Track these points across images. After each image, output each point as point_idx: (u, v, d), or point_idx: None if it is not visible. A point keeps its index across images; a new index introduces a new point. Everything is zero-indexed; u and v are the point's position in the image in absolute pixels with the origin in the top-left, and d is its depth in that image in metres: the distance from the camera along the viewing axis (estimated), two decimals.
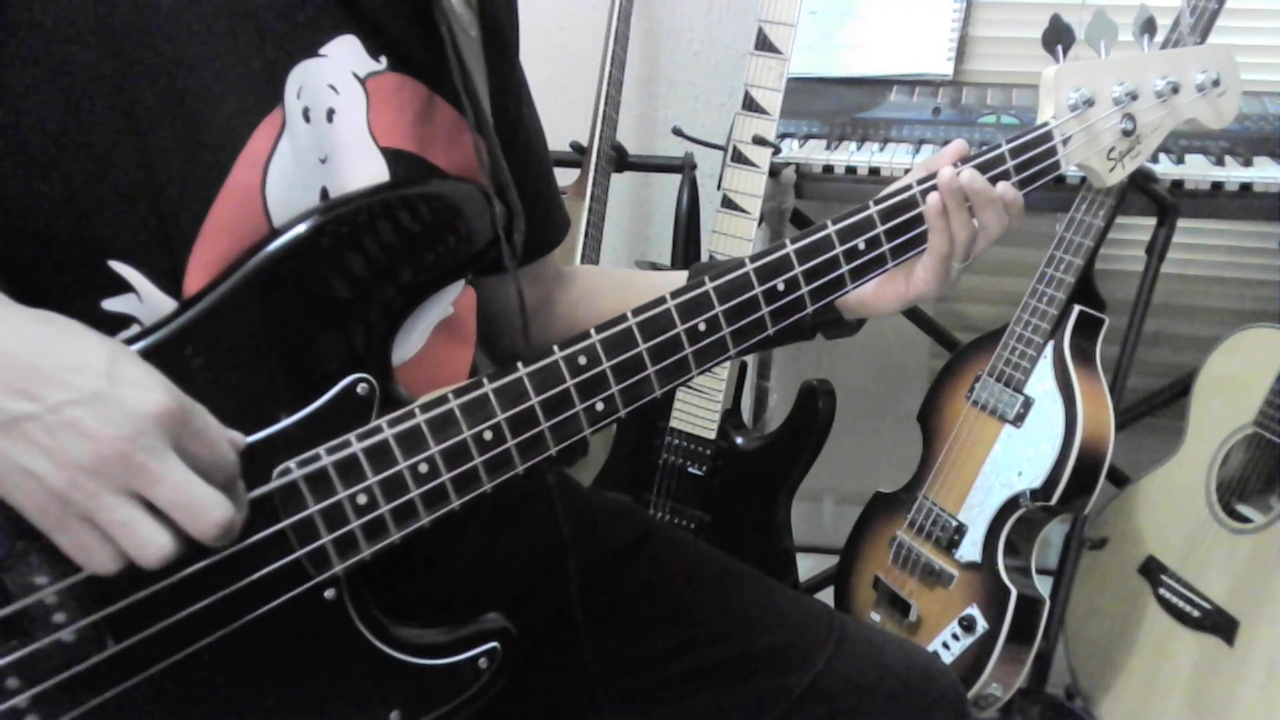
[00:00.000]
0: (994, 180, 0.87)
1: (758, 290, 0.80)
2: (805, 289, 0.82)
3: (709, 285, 0.79)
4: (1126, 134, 0.92)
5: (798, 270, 0.82)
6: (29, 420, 0.55)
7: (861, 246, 0.84)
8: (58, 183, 0.64)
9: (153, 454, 0.57)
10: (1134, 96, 0.92)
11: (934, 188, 0.86)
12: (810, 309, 0.83)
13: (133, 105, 0.65)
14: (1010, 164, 0.88)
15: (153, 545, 0.57)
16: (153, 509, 0.58)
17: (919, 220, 0.86)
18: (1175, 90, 0.93)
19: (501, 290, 0.97)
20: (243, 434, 0.65)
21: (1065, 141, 0.90)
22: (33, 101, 0.63)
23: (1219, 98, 0.96)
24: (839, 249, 0.83)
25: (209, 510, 0.58)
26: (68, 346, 0.58)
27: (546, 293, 1.02)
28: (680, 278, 0.97)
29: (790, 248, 0.82)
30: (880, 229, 0.85)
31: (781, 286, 0.81)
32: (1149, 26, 0.94)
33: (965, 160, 0.87)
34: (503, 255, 0.77)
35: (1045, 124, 0.90)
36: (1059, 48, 0.92)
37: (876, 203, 0.85)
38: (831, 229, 0.83)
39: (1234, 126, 1.66)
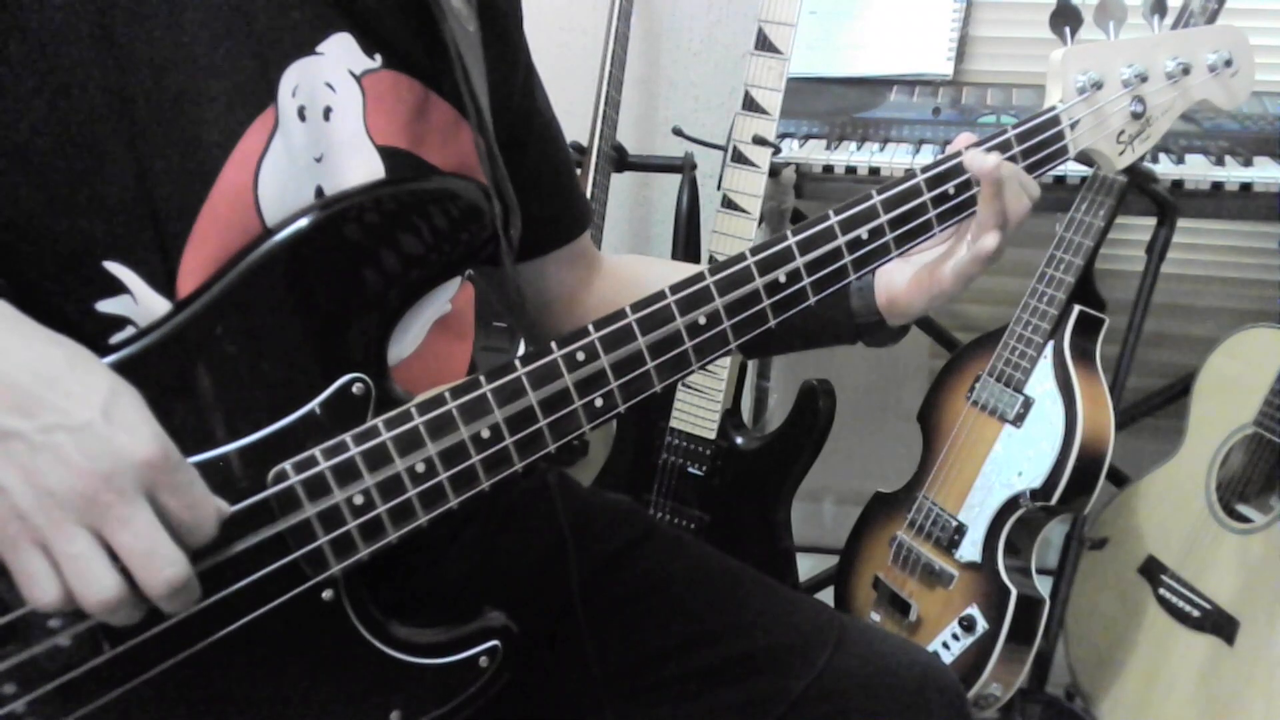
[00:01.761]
0: None
1: (759, 282, 0.80)
2: (807, 280, 0.81)
3: (709, 279, 0.78)
4: (1136, 116, 0.91)
5: (799, 261, 0.81)
6: (15, 437, 0.55)
7: (864, 236, 0.83)
8: (53, 183, 0.64)
9: (123, 497, 0.57)
10: (1144, 78, 0.90)
11: (939, 178, 0.85)
12: (813, 300, 0.82)
13: (127, 104, 0.65)
14: (1017, 149, 0.87)
15: (98, 586, 0.57)
16: (112, 556, 0.57)
17: (923, 209, 0.85)
18: (1186, 71, 0.92)
19: (538, 276, 0.97)
20: (227, 503, 0.64)
21: (1073, 125, 0.89)
22: (28, 101, 0.63)
23: (1231, 78, 0.94)
24: (841, 239, 0.82)
25: (165, 565, 0.58)
26: (73, 373, 0.58)
27: (584, 277, 1.01)
28: None
29: (792, 239, 0.81)
30: (883, 218, 0.84)
31: (783, 278, 0.80)
32: (1159, 8, 0.91)
33: (972, 146, 0.86)
34: (501, 251, 0.77)
35: (1052, 108, 0.88)
36: (1066, 30, 0.90)
37: (879, 192, 0.84)
38: (834, 219, 0.82)
39: (1234, 126, 1.66)
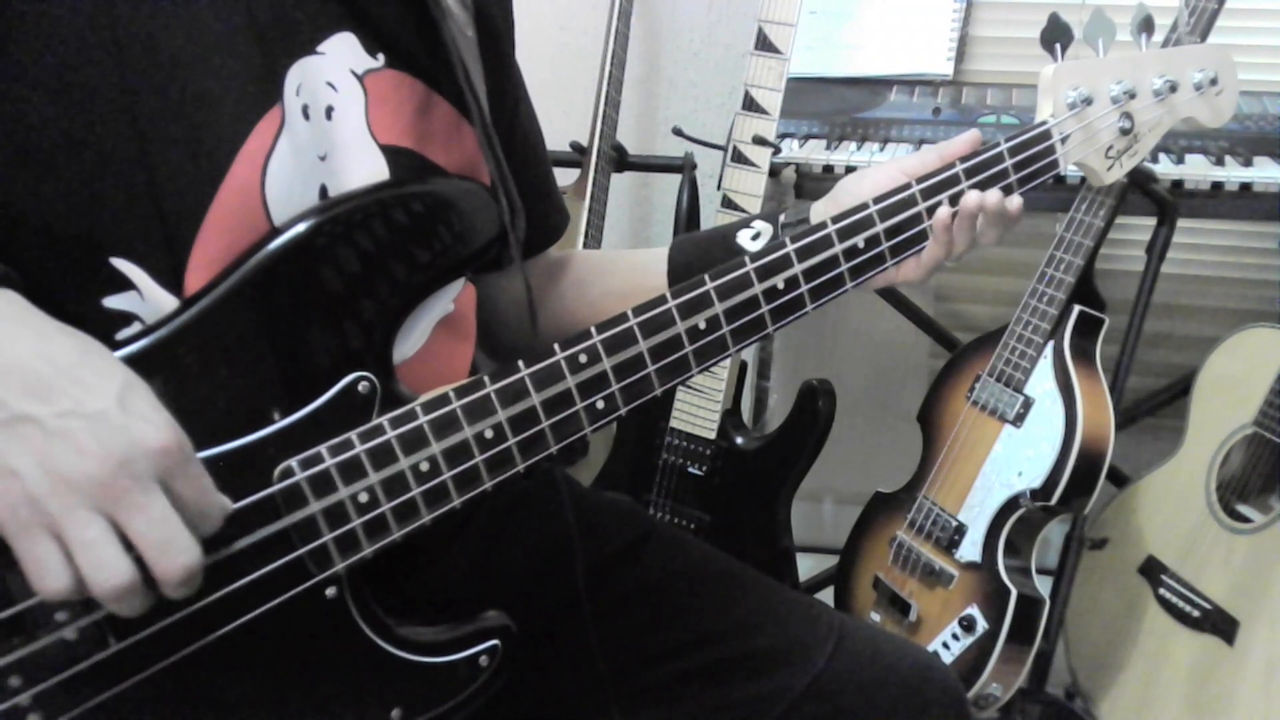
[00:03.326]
0: (993, 179, 0.87)
1: (757, 289, 0.80)
2: (805, 287, 0.82)
3: (709, 284, 0.79)
4: (1125, 132, 0.92)
5: (797, 269, 0.82)
6: (29, 422, 0.55)
7: (861, 245, 0.84)
8: (60, 181, 0.65)
9: (139, 483, 0.57)
10: (1132, 95, 0.92)
11: (934, 189, 0.86)
12: (810, 308, 0.83)
13: (134, 104, 0.65)
14: (1009, 162, 0.88)
15: (110, 571, 0.56)
16: (124, 542, 0.57)
17: (918, 219, 0.86)
18: (1173, 89, 0.93)
19: (499, 287, 0.97)
20: (231, 499, 0.64)
21: (1063, 140, 0.90)
22: (37, 100, 0.63)
23: (1216, 96, 0.96)
24: (838, 247, 0.83)
25: (180, 551, 0.58)
26: (87, 363, 0.58)
27: (540, 286, 1.03)
28: (660, 255, 0.97)
29: (790, 246, 0.82)
30: (879, 227, 0.85)
31: (781, 285, 0.81)
32: (1147, 25, 0.94)
33: (967, 158, 0.87)
34: (502, 253, 0.77)
35: (1043, 123, 0.90)
36: (1057, 46, 0.92)
37: (875, 201, 0.85)
38: (831, 228, 0.83)
39: (1234, 126, 1.67)
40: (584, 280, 1.03)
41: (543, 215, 1.00)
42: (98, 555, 0.56)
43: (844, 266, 0.84)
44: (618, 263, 1.05)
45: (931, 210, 0.86)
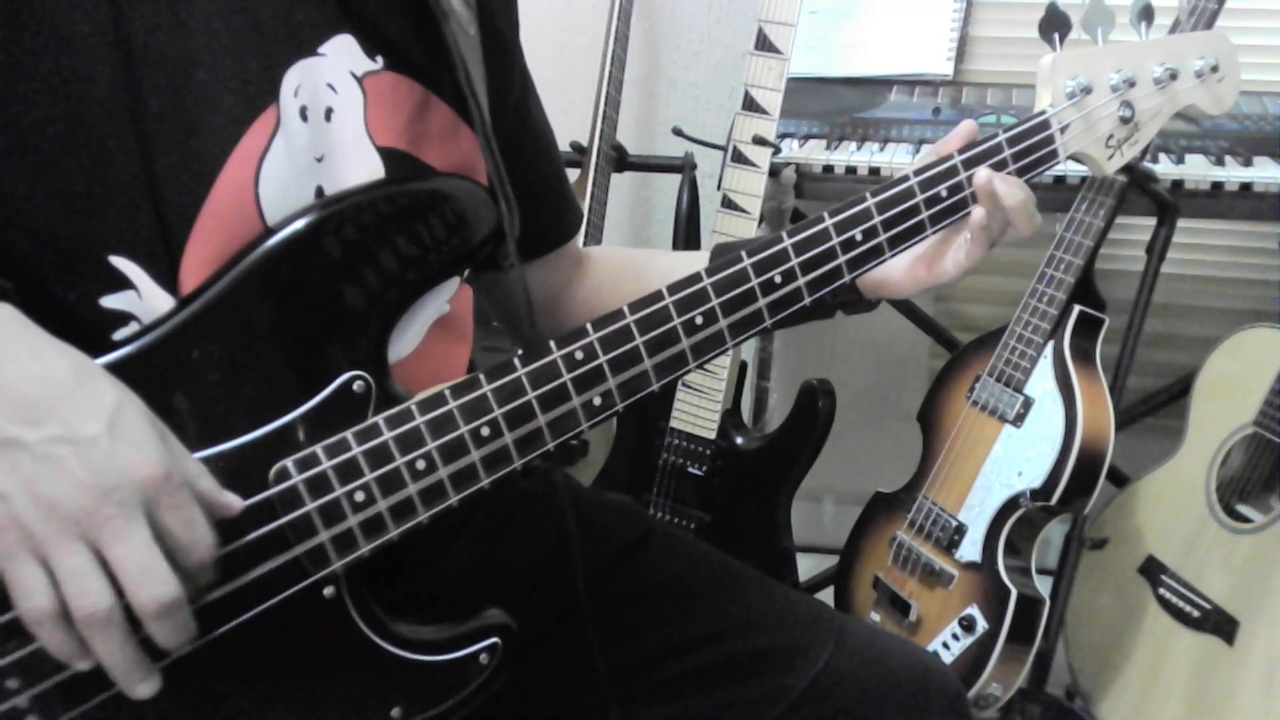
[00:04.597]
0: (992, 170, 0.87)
1: (754, 283, 0.80)
2: (802, 280, 0.82)
3: (706, 280, 0.79)
4: (1125, 121, 0.92)
5: (794, 262, 0.81)
6: (19, 447, 0.56)
7: (858, 238, 0.84)
8: (59, 177, 0.65)
9: (123, 511, 0.57)
10: (1132, 83, 0.91)
11: (931, 180, 0.85)
12: (807, 300, 0.83)
13: (134, 103, 0.65)
14: (1008, 153, 0.88)
15: (91, 598, 0.57)
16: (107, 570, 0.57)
17: (916, 210, 0.86)
18: (1174, 77, 0.92)
19: (532, 279, 0.97)
20: (239, 498, 0.65)
21: (1063, 130, 0.90)
22: (36, 96, 0.63)
23: (1218, 84, 0.95)
24: (835, 240, 0.83)
25: (156, 584, 0.58)
26: (79, 386, 0.58)
27: (567, 279, 1.03)
28: (702, 258, 0.96)
29: (787, 241, 0.81)
30: (877, 219, 0.84)
31: (779, 279, 0.81)
32: (1146, 15, 0.93)
33: (964, 150, 0.87)
34: (498, 253, 0.77)
35: (1042, 112, 0.89)
36: (1056, 36, 0.91)
37: (873, 194, 0.85)
38: (828, 221, 0.83)
39: (1234, 126, 1.67)
40: (619, 278, 1.03)
41: (556, 212, 1.00)
42: (80, 582, 0.57)
43: (841, 259, 0.83)
44: (657, 262, 1.05)
45: (930, 202, 0.86)
